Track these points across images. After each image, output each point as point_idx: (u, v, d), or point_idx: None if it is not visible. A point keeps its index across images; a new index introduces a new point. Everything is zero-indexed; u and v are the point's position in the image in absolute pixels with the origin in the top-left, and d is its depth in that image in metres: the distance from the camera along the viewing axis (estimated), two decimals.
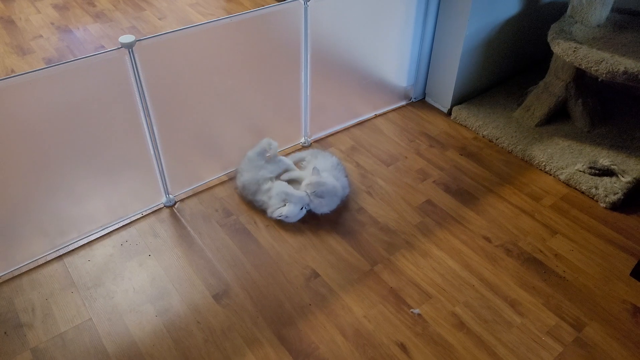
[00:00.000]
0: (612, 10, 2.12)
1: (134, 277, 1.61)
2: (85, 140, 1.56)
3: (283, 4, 1.75)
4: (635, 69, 1.78)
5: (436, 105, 2.39)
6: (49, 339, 1.44)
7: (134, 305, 1.53)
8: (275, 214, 1.76)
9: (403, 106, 2.39)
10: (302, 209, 1.77)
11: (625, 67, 1.80)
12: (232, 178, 1.97)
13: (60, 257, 1.67)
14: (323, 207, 1.79)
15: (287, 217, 1.75)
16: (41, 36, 2.89)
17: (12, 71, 2.60)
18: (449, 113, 2.33)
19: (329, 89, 2.11)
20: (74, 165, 1.58)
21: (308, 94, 2.02)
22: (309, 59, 1.92)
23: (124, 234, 1.75)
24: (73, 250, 1.69)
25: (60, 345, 1.42)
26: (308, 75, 1.96)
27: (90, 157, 1.60)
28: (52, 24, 3.01)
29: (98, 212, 1.73)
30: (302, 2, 1.77)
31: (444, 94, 2.32)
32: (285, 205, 1.75)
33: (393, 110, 2.36)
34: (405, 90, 2.37)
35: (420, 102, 2.42)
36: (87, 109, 1.52)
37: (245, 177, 1.84)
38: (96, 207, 1.72)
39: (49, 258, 1.66)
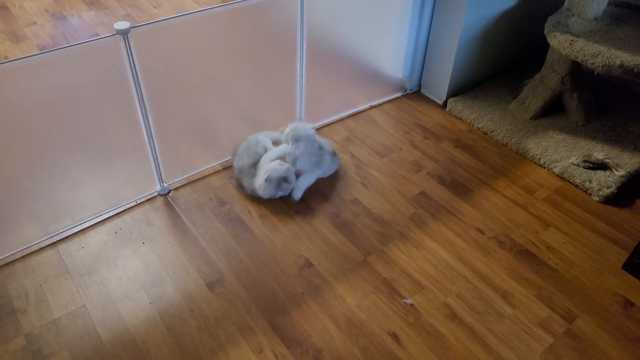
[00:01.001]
0: (610, 3, 2.12)
1: (128, 264, 1.61)
2: (79, 128, 1.56)
3: None
4: (632, 63, 1.79)
5: (431, 97, 2.39)
6: (43, 324, 1.44)
7: (127, 292, 1.53)
8: (259, 183, 1.76)
9: (398, 98, 2.39)
10: (283, 160, 1.80)
11: (621, 61, 1.80)
12: (226, 167, 1.97)
13: (54, 244, 1.67)
14: (304, 161, 1.84)
15: (269, 172, 1.73)
16: (35, 23, 2.86)
17: (6, 58, 2.58)
18: (444, 105, 2.33)
19: (324, 79, 2.10)
20: (68, 152, 1.57)
21: (303, 84, 2.01)
22: (304, 48, 1.91)
23: (118, 221, 1.75)
24: (67, 237, 1.69)
25: (53, 331, 1.43)
26: (303, 65, 1.96)
27: (85, 145, 1.60)
28: (47, 11, 2.98)
29: (92, 199, 1.72)
30: None
31: (440, 85, 2.32)
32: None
33: (388, 101, 2.36)
34: (400, 82, 2.37)
35: (415, 93, 2.42)
36: (81, 96, 1.51)
37: (242, 162, 1.85)
38: (90, 195, 1.71)
39: (42, 245, 1.66)
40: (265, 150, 1.86)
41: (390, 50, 2.22)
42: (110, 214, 1.77)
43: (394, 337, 1.44)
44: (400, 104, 2.35)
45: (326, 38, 1.99)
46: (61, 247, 1.66)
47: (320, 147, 1.88)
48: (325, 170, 1.91)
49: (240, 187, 1.86)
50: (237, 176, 1.86)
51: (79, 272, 1.58)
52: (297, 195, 1.82)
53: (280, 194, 1.80)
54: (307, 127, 1.89)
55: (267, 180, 1.74)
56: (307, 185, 1.86)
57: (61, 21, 2.89)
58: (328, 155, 1.90)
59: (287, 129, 1.86)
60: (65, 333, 1.43)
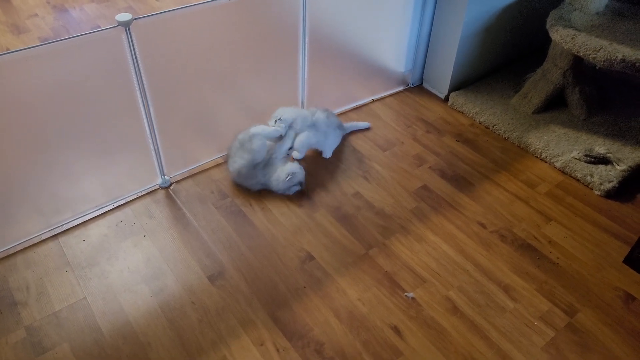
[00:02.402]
0: None
1: (129, 257, 1.61)
2: (81, 120, 1.55)
3: None
4: (633, 57, 1.78)
5: (433, 91, 2.38)
6: (43, 317, 1.44)
7: (128, 285, 1.53)
8: (279, 176, 1.80)
9: (400, 91, 2.38)
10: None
11: (623, 55, 1.79)
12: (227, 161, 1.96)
13: (55, 236, 1.66)
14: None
15: (293, 172, 1.79)
16: (37, 15, 2.85)
17: (7, 50, 2.57)
18: (446, 99, 2.32)
19: (327, 72, 2.09)
20: (69, 144, 1.57)
21: (305, 77, 2.01)
22: (306, 42, 1.90)
23: (119, 214, 1.75)
24: (68, 229, 1.69)
25: (54, 324, 1.43)
26: (305, 58, 1.95)
27: (86, 137, 1.59)
28: (48, 2, 2.97)
29: (93, 192, 1.72)
30: None
31: (442, 80, 2.31)
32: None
33: (390, 95, 2.36)
34: (402, 76, 2.36)
35: (417, 87, 2.41)
36: (83, 88, 1.50)
37: (239, 163, 1.82)
38: (91, 187, 1.71)
39: (43, 237, 1.66)
40: (261, 143, 1.83)
41: (392, 44, 2.22)
42: (112, 206, 1.77)
43: (396, 330, 1.44)
44: (403, 98, 2.34)
45: (328, 31, 1.98)
46: (62, 239, 1.65)
47: (313, 115, 1.95)
48: (328, 134, 1.96)
49: (242, 188, 1.85)
50: (235, 180, 1.85)
51: (80, 265, 1.58)
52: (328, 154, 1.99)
53: (288, 192, 1.83)
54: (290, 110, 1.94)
55: (289, 180, 1.79)
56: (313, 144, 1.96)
57: (62, 13, 2.87)
58: (322, 117, 1.95)
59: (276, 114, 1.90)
60: (65, 325, 1.42)
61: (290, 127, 1.89)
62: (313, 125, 1.91)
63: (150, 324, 1.43)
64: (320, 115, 1.94)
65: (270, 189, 1.83)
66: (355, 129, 2.13)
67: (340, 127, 2.03)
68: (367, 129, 2.14)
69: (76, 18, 2.84)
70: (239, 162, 1.81)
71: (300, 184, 1.83)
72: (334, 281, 1.56)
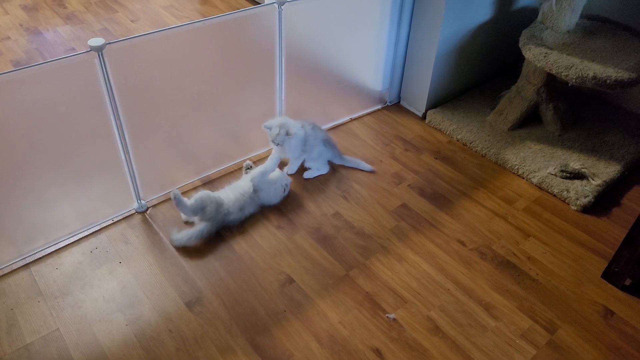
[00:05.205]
0: (582, 16, 2.16)
1: (104, 285, 1.57)
2: (54, 145, 1.52)
3: (257, 8, 1.74)
4: (604, 75, 1.82)
5: (411, 109, 2.40)
6: (14, 350, 1.39)
7: (103, 314, 1.49)
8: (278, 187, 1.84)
9: (378, 110, 2.39)
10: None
11: (594, 73, 1.83)
12: (205, 182, 1.94)
13: (27, 265, 1.62)
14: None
15: (285, 181, 1.86)
16: (9, 38, 2.81)
17: None
18: (424, 117, 2.34)
19: (304, 93, 2.10)
20: (42, 170, 1.53)
21: (283, 98, 2.00)
22: (283, 62, 1.91)
23: (93, 240, 1.71)
24: (40, 258, 1.64)
25: (25, 357, 1.38)
26: (283, 79, 1.95)
27: (60, 162, 1.56)
28: (21, 25, 2.93)
29: (67, 218, 1.68)
30: (277, 6, 1.76)
31: (419, 98, 2.33)
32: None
33: (368, 114, 2.37)
34: (380, 94, 2.38)
35: (395, 106, 2.43)
36: (56, 113, 1.48)
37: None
38: (65, 213, 1.67)
39: (15, 266, 1.61)
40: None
41: (369, 63, 2.23)
42: (86, 233, 1.73)
43: (377, 353, 1.42)
44: (380, 117, 2.35)
45: (305, 52, 1.98)
46: (34, 268, 1.61)
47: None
48: (313, 146, 1.96)
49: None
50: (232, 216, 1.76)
51: (53, 294, 1.53)
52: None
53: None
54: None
55: (286, 190, 1.86)
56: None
57: (36, 36, 2.84)
58: (308, 130, 1.95)
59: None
60: (37, 359, 1.37)
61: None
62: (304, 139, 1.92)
63: (126, 355, 1.39)
64: (307, 128, 1.93)
65: (264, 205, 1.84)
66: (356, 166, 2.04)
67: (326, 143, 1.99)
68: (370, 171, 2.03)
69: (50, 40, 2.80)
70: (228, 195, 1.77)
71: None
72: (315, 304, 1.54)
